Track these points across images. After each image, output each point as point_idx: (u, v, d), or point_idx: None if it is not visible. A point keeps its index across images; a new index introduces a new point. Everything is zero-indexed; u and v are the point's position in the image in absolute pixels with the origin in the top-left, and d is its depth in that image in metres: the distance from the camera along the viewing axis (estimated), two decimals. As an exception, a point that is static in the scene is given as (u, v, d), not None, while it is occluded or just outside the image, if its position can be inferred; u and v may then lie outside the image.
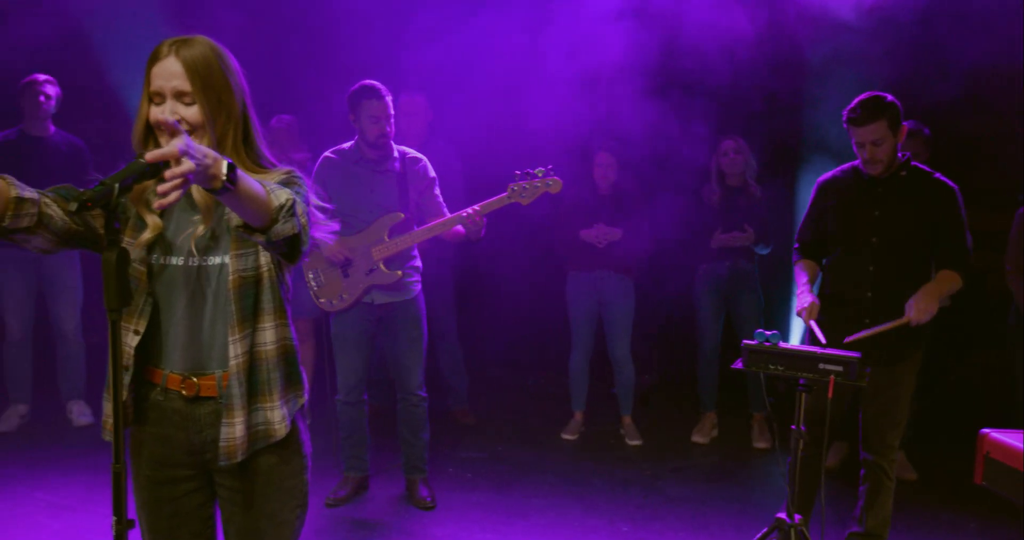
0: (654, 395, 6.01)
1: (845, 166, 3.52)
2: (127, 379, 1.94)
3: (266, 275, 1.95)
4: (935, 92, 4.73)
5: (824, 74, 5.04)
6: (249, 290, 1.93)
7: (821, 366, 2.92)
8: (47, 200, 1.82)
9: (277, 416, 1.98)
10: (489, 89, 5.31)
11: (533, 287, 5.96)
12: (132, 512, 1.70)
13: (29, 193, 1.76)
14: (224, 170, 1.58)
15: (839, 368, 2.89)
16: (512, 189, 3.87)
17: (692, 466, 4.83)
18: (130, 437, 2.04)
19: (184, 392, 1.95)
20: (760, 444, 5.10)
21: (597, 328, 5.18)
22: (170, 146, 1.50)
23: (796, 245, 3.65)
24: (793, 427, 3.05)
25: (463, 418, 5.48)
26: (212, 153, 1.58)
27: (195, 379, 1.95)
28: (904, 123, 3.31)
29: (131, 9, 5.30)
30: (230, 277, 1.92)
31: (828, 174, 3.56)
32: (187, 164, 1.49)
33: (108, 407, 1.98)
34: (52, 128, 5.05)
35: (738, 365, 3.08)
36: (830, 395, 2.90)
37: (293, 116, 5.35)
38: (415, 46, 5.25)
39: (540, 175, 3.87)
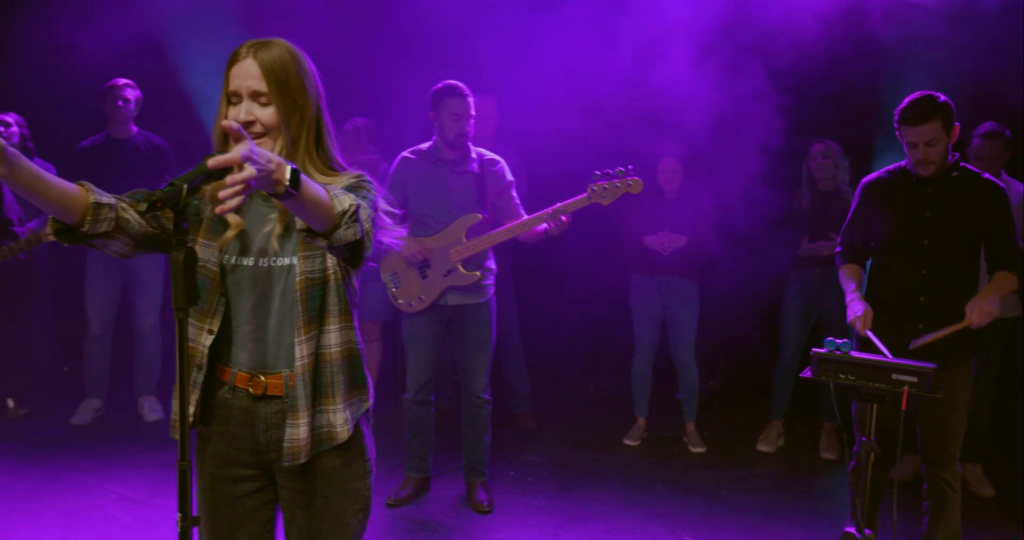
0: (719, 401, 5.91)
1: (891, 167, 3.43)
2: (200, 378, 1.97)
3: (332, 277, 1.96)
4: (1016, 92, 4.55)
5: (901, 71, 4.88)
6: (315, 292, 1.94)
7: (894, 376, 2.83)
8: (124, 205, 1.85)
9: (339, 419, 1.99)
10: (552, 91, 5.28)
11: (597, 289, 5.91)
12: (197, 509, 1.73)
13: (107, 198, 1.80)
14: (287, 176, 1.59)
15: (913, 379, 2.80)
16: (592, 190, 3.83)
17: (757, 475, 4.73)
18: (196, 435, 2.07)
19: (251, 390, 1.98)
20: (828, 455, 4.96)
21: (661, 333, 5.12)
22: (233, 152, 1.51)
23: (839, 249, 3.56)
24: (864, 439, 2.96)
25: (525, 421, 5.46)
26: (276, 158, 1.59)
27: (262, 377, 1.97)
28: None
29: (211, 16, 5.42)
30: (297, 278, 1.93)
31: (874, 175, 3.47)
32: (248, 170, 1.50)
33: (177, 405, 2.01)
34: (134, 130, 5.19)
35: (807, 374, 3.00)
36: (903, 407, 2.80)
37: (366, 118, 5.38)
38: (483, 47, 5.25)
39: (620, 175, 3.82)
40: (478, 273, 4.00)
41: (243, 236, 1.97)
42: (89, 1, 5.48)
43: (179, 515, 1.73)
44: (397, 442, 4.41)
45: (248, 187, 1.51)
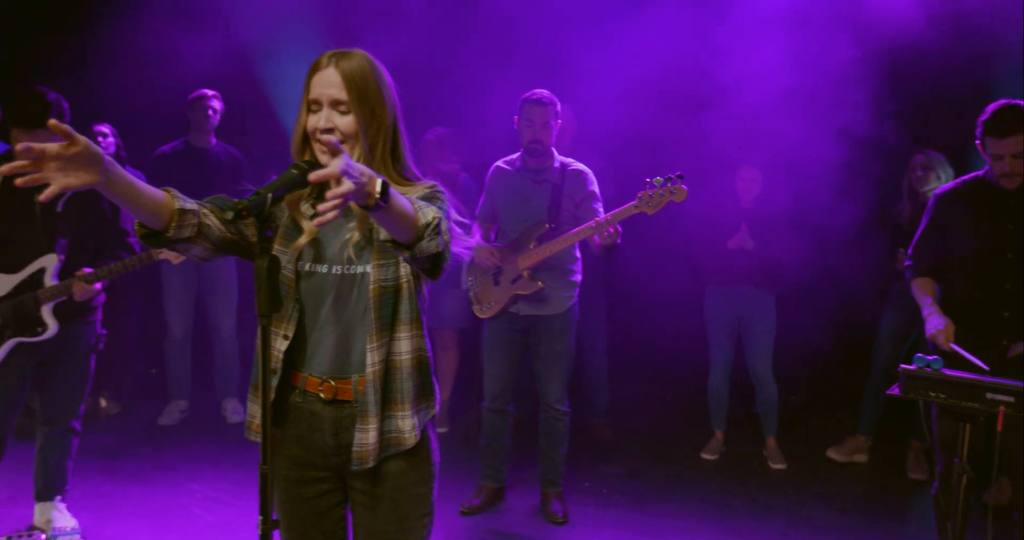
0: (800, 416, 5.75)
1: (967, 177, 3.30)
2: (275, 382, 2.02)
3: (405, 286, 1.99)
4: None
5: (1001, 65, 4.68)
6: (388, 300, 1.97)
7: (989, 396, 2.69)
8: (205, 210, 1.90)
9: (407, 425, 2.02)
10: (644, 97, 5.24)
11: (676, 299, 5.82)
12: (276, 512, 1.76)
13: (190, 205, 1.85)
14: (378, 188, 1.62)
15: (1010, 398, 2.66)
16: (640, 198, 3.79)
17: (841, 494, 4.59)
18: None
19: (322, 395, 2.01)
20: (916, 475, 4.78)
21: (736, 345, 5.01)
22: (331, 167, 1.54)
23: (909, 262, 3.42)
24: (955, 460, 2.84)
25: (601, 432, 5.42)
26: (368, 172, 1.62)
27: (333, 382, 2.01)
28: None
29: (294, 27, 5.55)
30: (371, 286, 1.96)
31: (949, 185, 3.35)
32: (347, 185, 1.53)
33: (253, 408, 2.07)
34: (214, 140, 5.35)
35: (894, 391, 2.89)
36: (999, 427, 2.67)
37: (446, 128, 5.41)
38: (570, 48, 5.24)
39: (668, 183, 3.78)
40: (539, 283, 3.98)
41: (319, 244, 2.01)
42: (178, 13, 5.67)
43: (260, 518, 1.76)
44: (471, 450, 4.42)
45: (345, 200, 1.54)
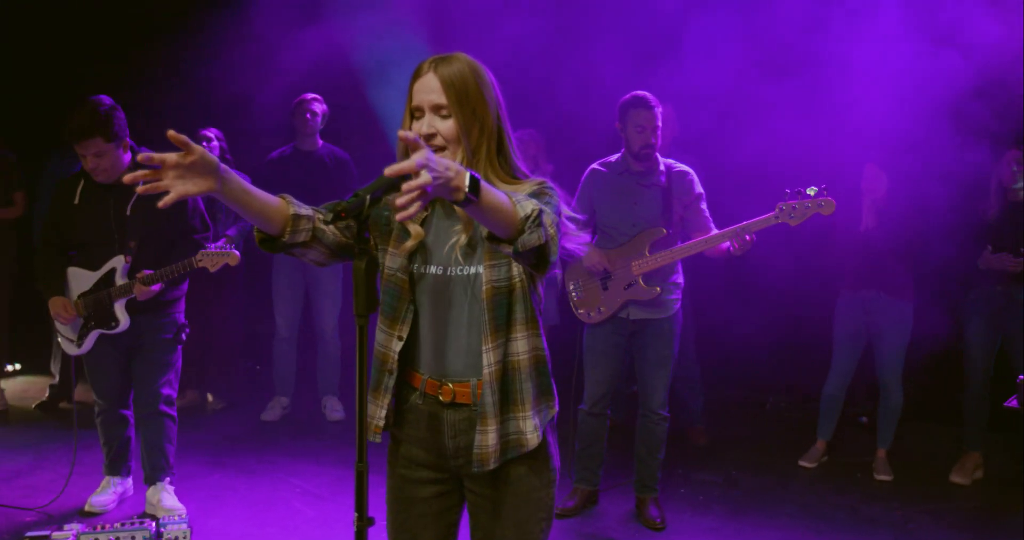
0: (906, 426, 5.51)
1: None
2: (391, 383, 2.04)
3: (518, 286, 1.98)
4: None
5: None
6: (502, 300, 1.97)
7: (1118, 410, 2.53)
8: (320, 216, 1.94)
9: (529, 426, 2.01)
10: (740, 106, 5.12)
11: (775, 303, 5.67)
12: (372, 510, 1.77)
13: (305, 210, 1.90)
14: (467, 182, 1.61)
15: None
16: (780, 208, 3.70)
17: (951, 510, 4.38)
18: (390, 437, 2.15)
19: (441, 397, 2.02)
20: (1035, 491, 4.54)
21: (863, 354, 4.83)
22: (409, 160, 1.54)
23: None
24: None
25: (696, 438, 5.32)
26: (455, 166, 1.61)
27: (451, 385, 2.01)
28: None
29: (397, 33, 5.62)
30: (484, 287, 1.96)
31: None
32: (424, 177, 1.52)
33: (372, 409, 2.08)
34: (320, 142, 5.47)
35: (1012, 403, 2.75)
36: None
37: (536, 130, 5.42)
38: (674, 59, 5.17)
39: (812, 194, 3.67)
40: (657, 288, 3.92)
41: (430, 246, 2.02)
42: (284, 19, 5.81)
43: (355, 515, 1.79)
44: (565, 452, 4.40)
45: (425, 194, 1.54)
